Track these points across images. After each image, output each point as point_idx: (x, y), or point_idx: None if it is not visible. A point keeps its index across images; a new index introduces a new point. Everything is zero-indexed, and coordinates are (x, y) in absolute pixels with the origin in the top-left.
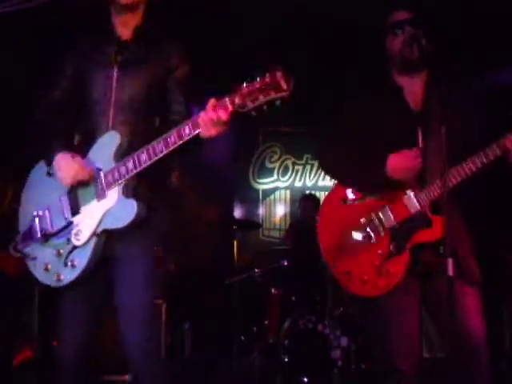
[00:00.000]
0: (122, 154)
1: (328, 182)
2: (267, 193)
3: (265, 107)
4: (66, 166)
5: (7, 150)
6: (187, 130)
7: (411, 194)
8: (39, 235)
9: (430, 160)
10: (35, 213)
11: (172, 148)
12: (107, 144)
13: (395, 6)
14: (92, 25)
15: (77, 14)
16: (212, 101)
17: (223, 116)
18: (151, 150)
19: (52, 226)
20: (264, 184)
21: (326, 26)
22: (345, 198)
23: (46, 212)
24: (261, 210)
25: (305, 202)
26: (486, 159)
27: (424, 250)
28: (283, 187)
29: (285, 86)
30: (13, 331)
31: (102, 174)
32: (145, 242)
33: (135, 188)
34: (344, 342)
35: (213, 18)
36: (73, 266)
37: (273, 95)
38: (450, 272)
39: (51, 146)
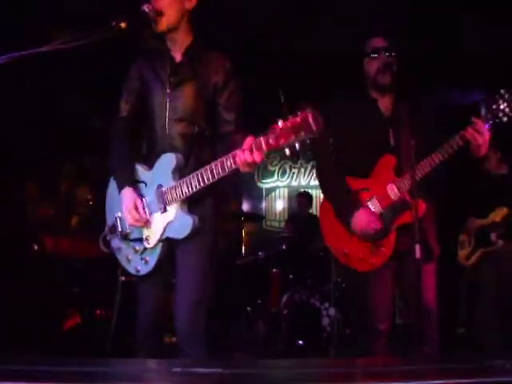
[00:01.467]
0: (179, 172)
1: None
2: (269, 191)
3: (297, 145)
4: (127, 211)
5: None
6: (229, 163)
7: (392, 184)
8: (119, 234)
9: (402, 154)
10: (117, 214)
11: (217, 178)
12: (167, 164)
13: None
14: (148, 43)
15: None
16: (249, 142)
17: (258, 159)
18: (200, 177)
19: (129, 228)
20: (266, 183)
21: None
22: None
23: (121, 218)
24: (264, 205)
25: (300, 198)
26: (451, 149)
27: (403, 232)
28: (282, 186)
29: (314, 128)
30: (65, 301)
31: (163, 191)
32: (202, 242)
33: (190, 203)
34: (331, 312)
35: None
36: (146, 262)
37: (303, 135)
38: (418, 255)
39: (119, 175)
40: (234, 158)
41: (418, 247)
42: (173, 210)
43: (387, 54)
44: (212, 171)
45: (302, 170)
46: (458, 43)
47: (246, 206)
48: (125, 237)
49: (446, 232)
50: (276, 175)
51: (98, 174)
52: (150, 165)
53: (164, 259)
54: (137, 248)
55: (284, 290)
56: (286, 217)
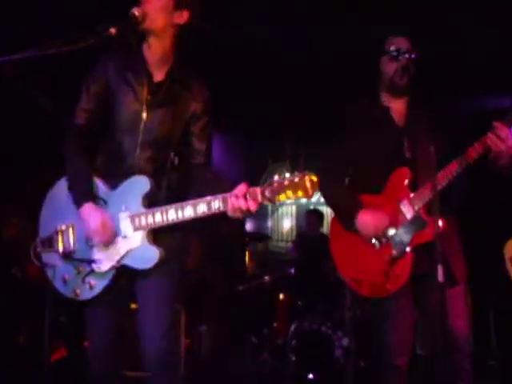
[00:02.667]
0: (149, 200)
1: None
2: (275, 208)
3: (288, 201)
4: (96, 232)
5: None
6: (217, 205)
7: (405, 201)
8: (60, 250)
9: (418, 168)
10: (58, 227)
11: (199, 216)
12: (137, 187)
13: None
14: (122, 50)
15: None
16: (243, 188)
17: (252, 207)
18: (180, 211)
19: (74, 245)
20: None
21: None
22: None
23: (70, 230)
24: (269, 224)
25: (310, 217)
26: (470, 159)
27: (421, 253)
28: (289, 203)
29: (310, 192)
30: (50, 331)
31: (131, 215)
32: (168, 269)
33: (156, 234)
34: (345, 342)
35: None
36: (91, 287)
37: (298, 195)
38: (440, 278)
39: (78, 187)
40: (224, 201)
41: (440, 269)
42: (138, 237)
43: (408, 56)
44: (195, 208)
45: None
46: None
47: (249, 225)
48: (67, 255)
49: (473, 251)
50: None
51: None
52: (111, 183)
53: (113, 287)
54: (80, 269)
55: (292, 318)
56: (293, 237)
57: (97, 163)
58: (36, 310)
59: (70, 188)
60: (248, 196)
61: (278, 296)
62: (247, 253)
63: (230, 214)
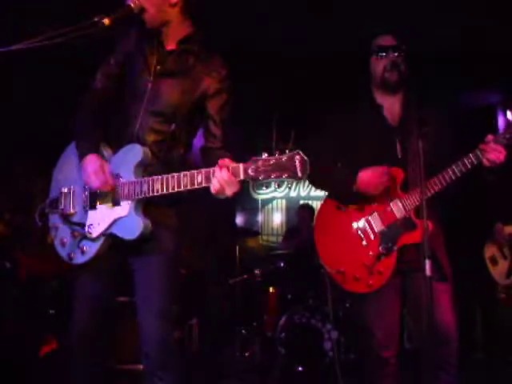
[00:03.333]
0: (142, 169)
1: (319, 192)
2: (265, 202)
3: (273, 181)
4: (94, 173)
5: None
6: (199, 179)
7: (397, 200)
8: (60, 211)
9: (409, 169)
10: (63, 189)
11: (183, 189)
12: (131, 155)
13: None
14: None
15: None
16: (227, 161)
17: (227, 183)
18: (165, 183)
19: (73, 207)
20: (262, 194)
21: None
22: (339, 205)
23: (72, 192)
24: (260, 218)
25: (302, 212)
26: (464, 168)
27: (408, 249)
28: (280, 197)
29: (299, 174)
30: (40, 324)
31: (120, 183)
32: (163, 255)
33: (146, 205)
34: (334, 334)
35: None
36: (83, 251)
37: (285, 177)
38: (428, 272)
39: (84, 143)
40: (206, 174)
41: (428, 263)
42: (125, 206)
43: (396, 53)
44: (179, 181)
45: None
46: (471, 43)
47: (239, 220)
48: (66, 217)
49: (456, 250)
50: (273, 185)
51: None
52: (112, 149)
53: (103, 255)
54: (76, 233)
55: (282, 311)
56: (283, 231)
57: (108, 128)
58: (27, 304)
59: (77, 144)
60: (230, 171)
61: (268, 289)
62: (238, 247)
63: (212, 190)
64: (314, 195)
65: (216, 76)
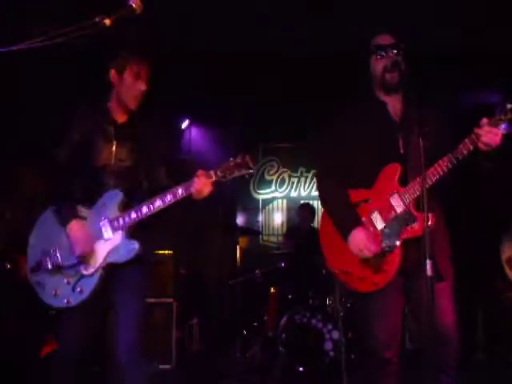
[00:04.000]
0: (122, 207)
1: None
2: (266, 202)
3: (238, 177)
4: (79, 239)
5: None
6: (180, 191)
7: (396, 195)
8: (50, 267)
9: (410, 164)
10: (46, 249)
11: (168, 204)
12: (113, 198)
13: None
14: (91, 100)
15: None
16: (202, 172)
17: (203, 185)
18: (151, 205)
19: (62, 260)
20: (263, 194)
21: (322, 53)
22: None
23: (57, 250)
24: (260, 218)
25: (302, 211)
26: (460, 155)
27: (410, 247)
28: (280, 197)
29: (251, 165)
30: (41, 325)
31: (109, 220)
32: (142, 269)
33: (133, 231)
34: (335, 335)
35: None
36: (81, 291)
37: (243, 171)
38: (429, 272)
39: (65, 212)
40: (186, 187)
41: (429, 263)
42: (117, 236)
43: (395, 51)
44: (163, 199)
45: (303, 179)
46: (471, 43)
47: (240, 220)
48: (57, 268)
49: (458, 247)
50: (274, 185)
51: None
52: (88, 204)
53: (100, 288)
54: (70, 280)
55: (283, 312)
56: (284, 231)
57: (74, 191)
58: (28, 305)
59: (58, 213)
60: (205, 177)
61: (269, 289)
62: (238, 247)
63: (194, 195)
64: (314, 195)
65: (160, 135)
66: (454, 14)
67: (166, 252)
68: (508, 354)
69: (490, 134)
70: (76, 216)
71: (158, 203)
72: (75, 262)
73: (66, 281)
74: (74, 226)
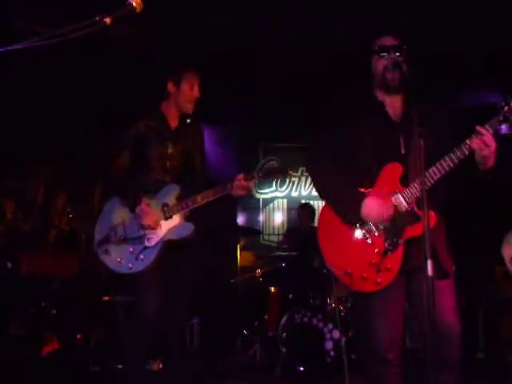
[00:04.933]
0: (177, 197)
1: None
2: (267, 202)
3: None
4: (147, 214)
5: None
6: (229, 186)
7: (398, 194)
8: (118, 239)
9: (411, 163)
10: (114, 224)
11: (215, 197)
12: (171, 190)
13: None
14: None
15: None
16: (241, 176)
17: (250, 185)
18: (203, 195)
19: (129, 234)
20: (264, 194)
21: (322, 53)
22: None
23: (124, 226)
24: (261, 218)
25: (302, 210)
26: (461, 155)
27: (413, 246)
28: (281, 197)
29: (283, 176)
30: (42, 324)
31: (169, 205)
32: (193, 258)
33: (190, 216)
34: (336, 334)
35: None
36: (142, 260)
37: (277, 177)
38: (430, 272)
39: (132, 196)
40: (231, 182)
41: (430, 263)
42: (176, 218)
43: (397, 53)
44: (213, 192)
45: (303, 179)
46: (474, 43)
47: (241, 219)
48: (123, 240)
49: (458, 248)
50: (274, 185)
51: (78, 180)
52: (149, 195)
53: (160, 260)
54: (132, 249)
55: (283, 311)
56: (285, 230)
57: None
58: (28, 303)
59: (125, 198)
60: (246, 180)
61: (270, 289)
62: (239, 246)
63: (234, 193)
64: (315, 195)
65: (199, 133)
66: (453, 14)
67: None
68: (508, 353)
69: (486, 139)
70: (142, 202)
71: (208, 194)
72: (140, 234)
73: (131, 249)
74: (144, 206)
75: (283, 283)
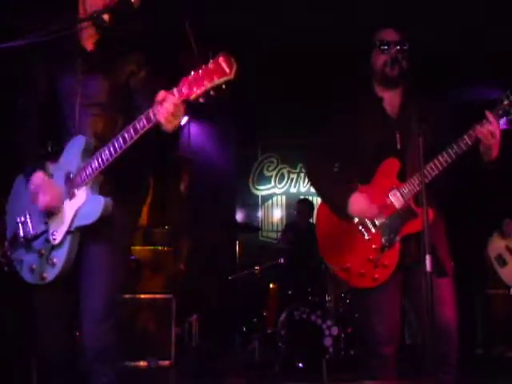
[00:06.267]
0: (88, 155)
1: None
2: (265, 198)
3: (211, 92)
4: (43, 192)
5: None
6: (141, 124)
7: (395, 190)
8: (22, 240)
9: (408, 159)
10: (18, 219)
11: (130, 142)
12: (75, 147)
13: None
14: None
15: None
16: (161, 93)
17: (170, 107)
18: (111, 147)
19: (33, 229)
20: (262, 190)
21: (320, 47)
22: None
23: (28, 217)
24: (260, 214)
25: (301, 206)
26: (458, 150)
27: (410, 243)
28: (279, 193)
29: (227, 70)
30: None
31: (71, 176)
32: (109, 241)
33: (102, 185)
34: (334, 331)
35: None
36: (53, 264)
37: (216, 80)
38: (428, 267)
39: (27, 158)
40: (147, 117)
41: (428, 258)
42: (82, 193)
43: (398, 47)
44: (124, 138)
45: (302, 175)
46: (473, 40)
47: (239, 215)
48: (28, 241)
49: (457, 246)
50: (273, 181)
51: None
52: (55, 158)
53: (73, 258)
54: (42, 251)
55: (282, 307)
56: (283, 227)
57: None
58: (27, 303)
59: (23, 154)
60: (167, 99)
61: (268, 285)
62: (237, 243)
63: (164, 125)
64: (313, 191)
65: (133, 61)
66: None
67: (166, 248)
68: (506, 350)
69: (491, 127)
70: (39, 167)
71: (119, 143)
72: (43, 228)
73: (38, 253)
74: (38, 177)
75: (282, 279)
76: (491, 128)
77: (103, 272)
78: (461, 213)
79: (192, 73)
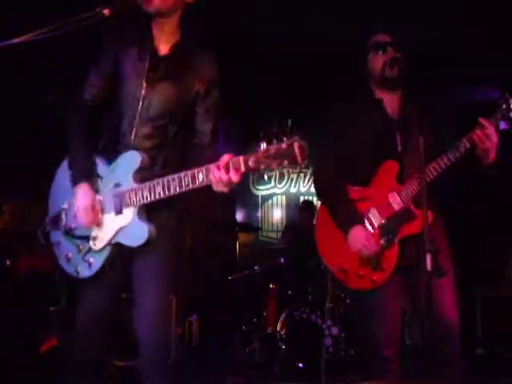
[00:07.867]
0: (141, 175)
1: None
2: (265, 198)
3: (275, 170)
4: (84, 209)
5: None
6: (200, 177)
7: (394, 192)
8: (63, 228)
9: (407, 160)
10: (63, 204)
11: (185, 190)
12: (129, 162)
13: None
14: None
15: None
16: (226, 159)
17: (234, 178)
18: (166, 185)
19: (74, 222)
20: (262, 190)
21: (320, 47)
22: None
23: (67, 209)
24: (259, 214)
25: (304, 207)
26: (458, 153)
27: (408, 244)
28: (279, 193)
29: (299, 160)
30: (40, 321)
31: (121, 192)
32: (164, 247)
33: (149, 211)
34: (334, 331)
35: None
36: (89, 264)
37: (286, 165)
38: (429, 267)
39: (77, 167)
40: (207, 172)
41: (429, 257)
42: (129, 214)
43: (393, 48)
44: (180, 181)
45: (302, 175)
46: (472, 41)
47: (239, 215)
48: (68, 232)
49: (458, 246)
50: (273, 181)
51: None
52: (108, 159)
53: (109, 265)
54: (80, 247)
55: (282, 308)
56: (283, 227)
57: (101, 139)
58: (27, 301)
59: (70, 166)
60: (231, 167)
61: (268, 285)
62: (237, 243)
63: (214, 187)
64: (313, 191)
65: (206, 78)
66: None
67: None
68: (507, 350)
69: (488, 131)
70: (88, 175)
71: (174, 186)
72: (87, 232)
73: (76, 247)
74: (83, 191)
75: (282, 279)
76: (487, 131)
77: (159, 277)
78: (461, 213)
79: (263, 147)
